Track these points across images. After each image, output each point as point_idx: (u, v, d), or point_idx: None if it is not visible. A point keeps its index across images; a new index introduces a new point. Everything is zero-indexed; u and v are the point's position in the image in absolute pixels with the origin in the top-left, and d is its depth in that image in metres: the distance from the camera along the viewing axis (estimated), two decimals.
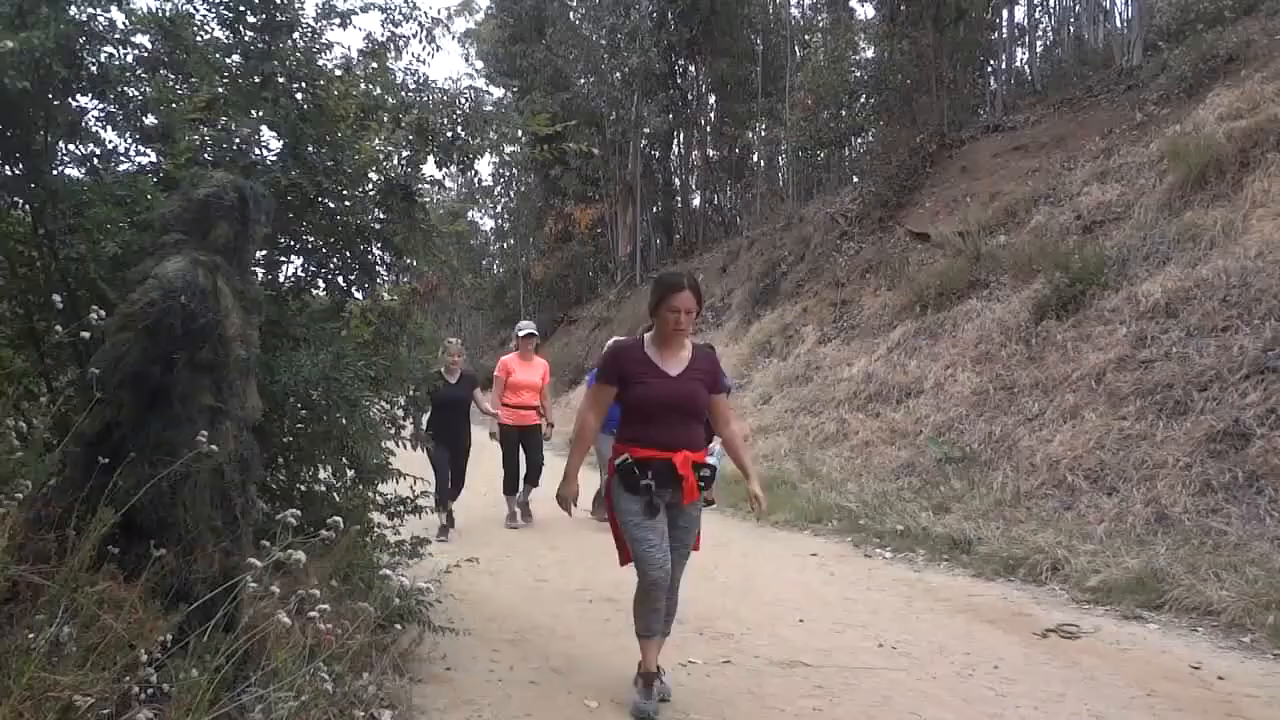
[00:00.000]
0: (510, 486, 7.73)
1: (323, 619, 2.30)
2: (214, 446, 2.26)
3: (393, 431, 4.26)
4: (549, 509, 6.91)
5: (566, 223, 29.29)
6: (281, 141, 3.65)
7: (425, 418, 6.77)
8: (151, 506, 2.29)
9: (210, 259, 2.50)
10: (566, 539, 6.93)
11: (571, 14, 29.86)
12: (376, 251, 4.17)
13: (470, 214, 34.48)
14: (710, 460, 3.48)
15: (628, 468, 3.29)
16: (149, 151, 3.55)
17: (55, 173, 3.19)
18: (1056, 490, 6.69)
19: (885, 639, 4.30)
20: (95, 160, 3.46)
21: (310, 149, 3.58)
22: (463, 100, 4.35)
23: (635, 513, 3.29)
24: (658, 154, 29.77)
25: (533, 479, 7.75)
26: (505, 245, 37.30)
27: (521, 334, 8.02)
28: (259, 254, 3.95)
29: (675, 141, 29.60)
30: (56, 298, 2.74)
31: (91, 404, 2.33)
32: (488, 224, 39.21)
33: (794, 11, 26.11)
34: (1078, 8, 20.94)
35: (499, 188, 36.04)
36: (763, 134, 25.64)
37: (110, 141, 3.50)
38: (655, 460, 3.27)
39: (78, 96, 3.23)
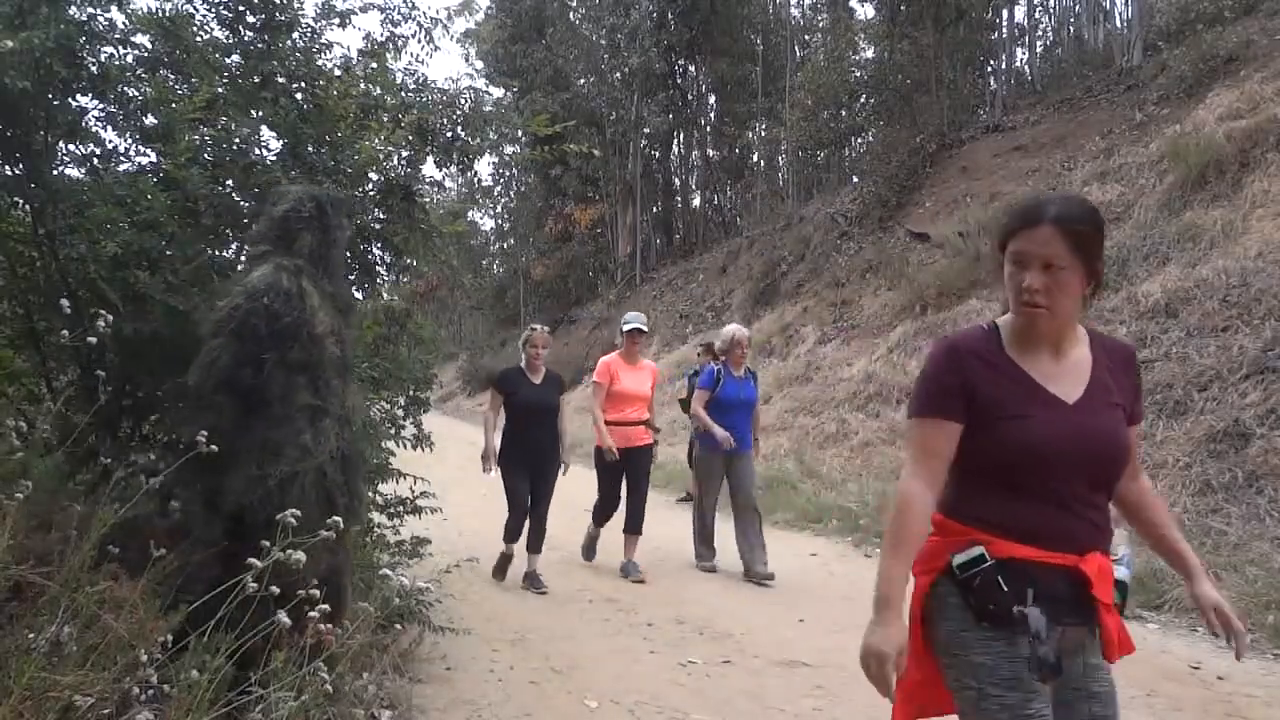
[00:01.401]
0: (602, 516, 5.94)
1: (322, 619, 2.30)
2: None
3: (393, 431, 4.27)
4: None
5: (566, 223, 29.30)
6: (281, 141, 3.65)
7: (499, 432, 5.57)
8: (260, 506, 2.32)
9: (293, 263, 2.57)
10: (566, 539, 6.92)
11: (571, 14, 29.90)
12: (376, 251, 4.17)
13: (470, 214, 34.55)
14: (1119, 569, 1.78)
15: (988, 581, 1.61)
16: (149, 151, 3.56)
17: (55, 173, 3.20)
18: None
19: None
20: (95, 160, 3.46)
21: (310, 149, 3.59)
22: (462, 100, 4.35)
23: (1003, 679, 1.60)
24: (658, 154, 29.78)
25: (636, 524, 5.88)
26: (505, 245, 37.32)
27: (627, 328, 5.99)
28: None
29: (675, 141, 29.62)
30: (65, 302, 2.75)
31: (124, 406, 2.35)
32: (488, 224, 39.23)
33: (794, 11, 26.20)
34: (1078, 8, 20.97)
35: (499, 188, 36.07)
36: (763, 134, 25.66)
37: (110, 141, 3.51)
38: (1043, 568, 1.60)
39: (78, 96, 3.24)
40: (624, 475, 5.82)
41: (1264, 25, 11.84)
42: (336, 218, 2.76)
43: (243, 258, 3.73)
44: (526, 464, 5.36)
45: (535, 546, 5.47)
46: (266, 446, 2.38)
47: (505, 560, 5.39)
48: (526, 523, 5.47)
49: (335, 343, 2.58)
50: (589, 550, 6.08)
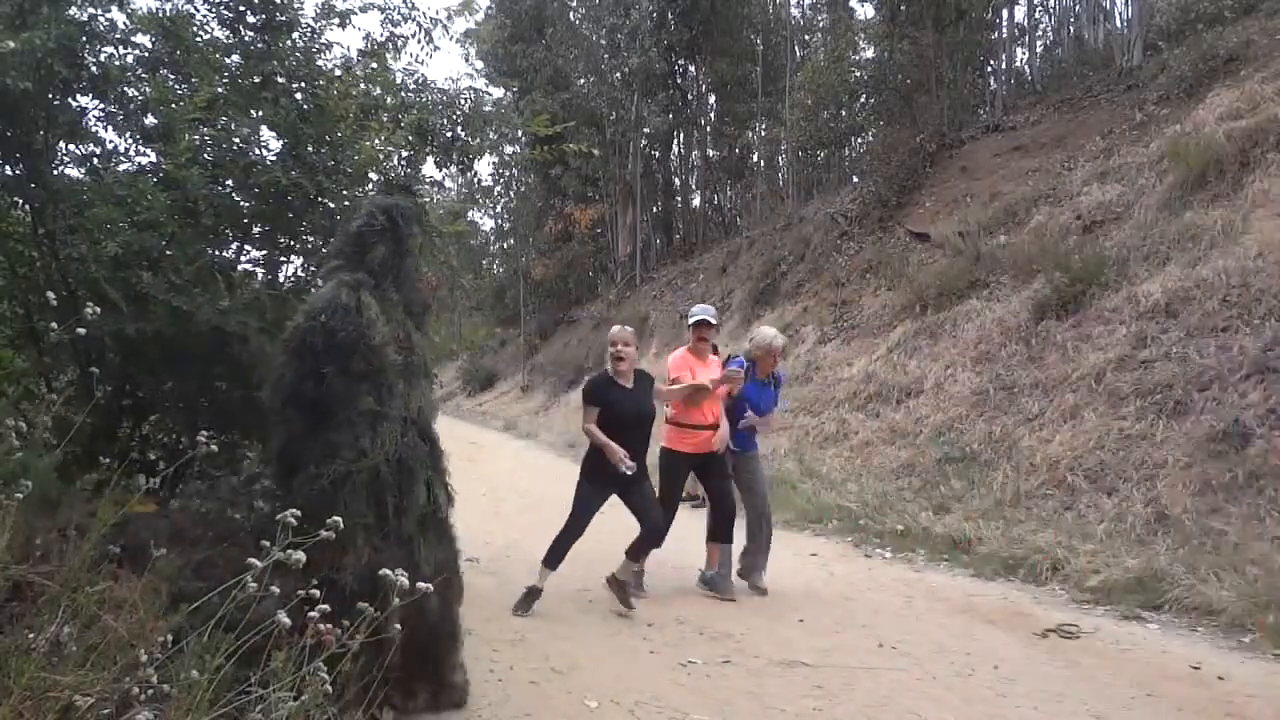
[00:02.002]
0: (651, 541, 5.01)
1: (322, 619, 2.30)
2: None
3: None
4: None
5: (566, 223, 29.27)
6: (281, 141, 3.66)
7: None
8: (313, 503, 2.47)
9: (354, 277, 2.73)
10: None
11: (571, 14, 29.86)
12: None
13: (470, 214, 34.48)
14: None
15: None
16: (149, 151, 3.56)
17: (55, 173, 3.20)
18: (1056, 490, 6.69)
19: (885, 639, 4.30)
20: (95, 160, 3.47)
21: (310, 149, 3.59)
22: (462, 100, 4.36)
23: None
24: (658, 154, 29.75)
25: (726, 531, 5.35)
26: (505, 245, 37.25)
27: (694, 320, 5.38)
28: (260, 254, 3.98)
29: (675, 141, 29.59)
30: (50, 295, 2.75)
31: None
32: (488, 224, 39.15)
33: (794, 11, 26.16)
34: (1078, 8, 20.95)
35: (499, 188, 35.97)
36: (763, 134, 25.65)
37: (110, 141, 3.52)
38: None
39: (78, 96, 3.24)
40: (684, 482, 5.39)
41: (1264, 25, 11.83)
42: (408, 227, 2.90)
43: (243, 258, 3.76)
44: (614, 480, 4.73)
45: (638, 555, 4.99)
46: (327, 449, 2.58)
47: (534, 594, 4.72)
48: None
49: (398, 349, 2.74)
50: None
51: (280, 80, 3.70)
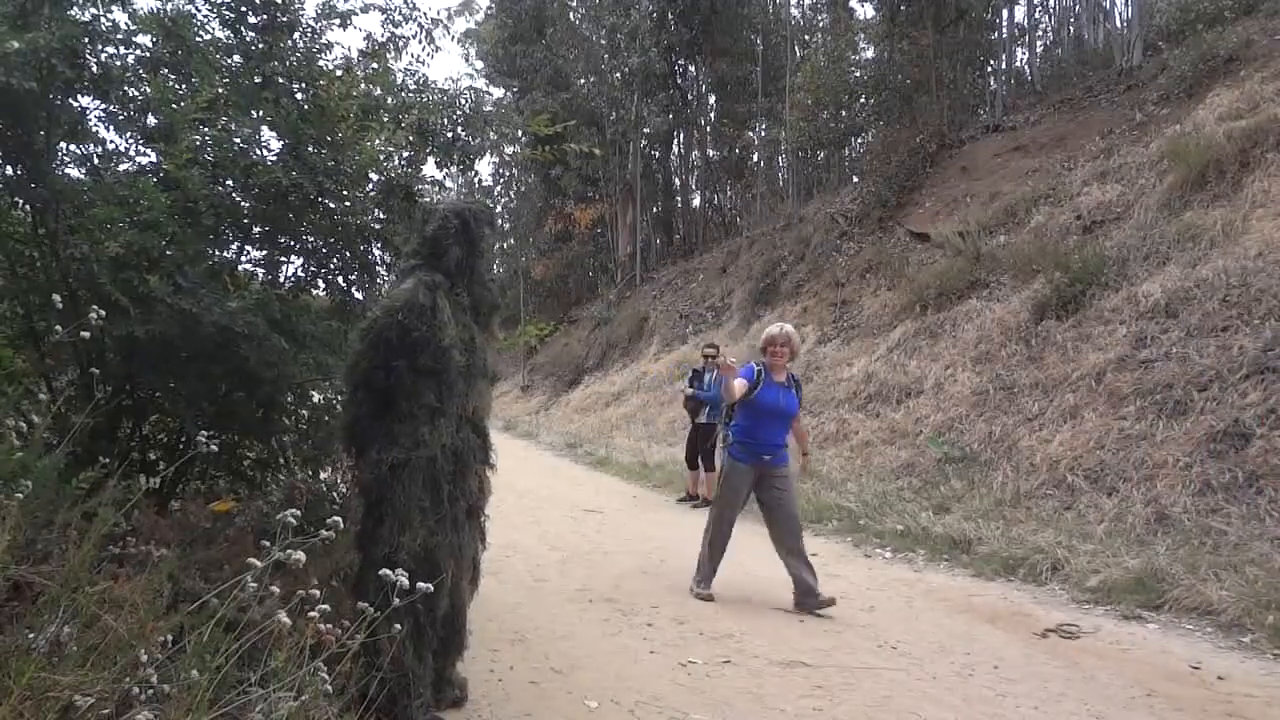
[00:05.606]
0: None
1: (322, 619, 2.30)
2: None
3: None
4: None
5: (566, 223, 29.30)
6: (282, 142, 3.65)
7: None
8: (375, 485, 2.78)
9: (433, 278, 2.89)
10: (566, 539, 6.93)
11: (571, 14, 29.88)
12: (377, 251, 4.17)
13: None
14: None
15: None
16: (149, 151, 3.56)
17: (56, 173, 3.20)
18: (1056, 490, 6.69)
19: (885, 639, 4.30)
20: (96, 160, 3.47)
21: (311, 149, 3.58)
22: (463, 100, 4.36)
23: None
24: (658, 154, 29.77)
25: None
26: (505, 245, 37.33)
27: None
28: (260, 254, 3.98)
29: (675, 141, 29.61)
30: (56, 298, 2.75)
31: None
32: None
33: (794, 11, 26.16)
34: (1078, 8, 20.96)
35: (499, 188, 36.05)
36: (763, 134, 25.65)
37: (111, 142, 3.52)
38: None
39: (80, 96, 3.24)
40: None
41: (1264, 25, 11.84)
42: (479, 229, 3.05)
43: (243, 259, 3.76)
44: None
45: None
46: (388, 435, 2.77)
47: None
48: None
49: (463, 351, 2.89)
50: None
51: (281, 80, 3.70)
